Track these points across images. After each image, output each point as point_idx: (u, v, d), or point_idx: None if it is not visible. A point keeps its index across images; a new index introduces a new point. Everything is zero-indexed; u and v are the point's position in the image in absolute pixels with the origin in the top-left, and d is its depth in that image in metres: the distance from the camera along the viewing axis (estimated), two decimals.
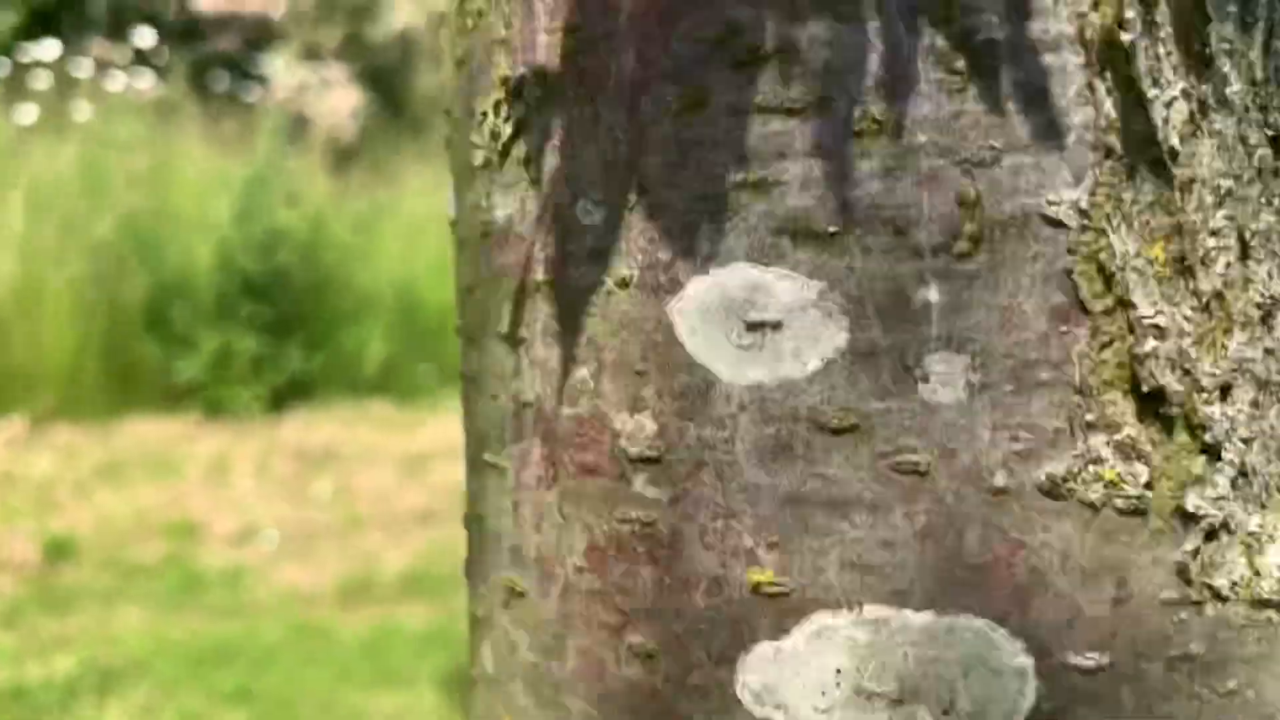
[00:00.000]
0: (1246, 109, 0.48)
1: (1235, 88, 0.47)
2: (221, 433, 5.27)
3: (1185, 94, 0.47)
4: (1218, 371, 0.47)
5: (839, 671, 0.48)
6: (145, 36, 7.26)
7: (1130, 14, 0.46)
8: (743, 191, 0.49)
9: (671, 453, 0.51)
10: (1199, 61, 0.47)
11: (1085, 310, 0.46)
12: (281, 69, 7.98)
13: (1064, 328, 0.46)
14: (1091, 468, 0.47)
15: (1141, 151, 0.47)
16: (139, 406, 5.36)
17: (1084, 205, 0.46)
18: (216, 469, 4.83)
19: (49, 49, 6.64)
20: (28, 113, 6.11)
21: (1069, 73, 0.46)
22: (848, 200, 0.48)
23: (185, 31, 7.84)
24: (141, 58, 7.13)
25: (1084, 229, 0.46)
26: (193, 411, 5.37)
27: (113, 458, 4.86)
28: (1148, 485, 0.47)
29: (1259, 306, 0.48)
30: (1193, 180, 0.47)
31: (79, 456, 4.80)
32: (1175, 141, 0.47)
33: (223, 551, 3.90)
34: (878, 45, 0.47)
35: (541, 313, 0.56)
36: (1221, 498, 0.47)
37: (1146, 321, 0.46)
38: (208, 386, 5.38)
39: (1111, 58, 0.46)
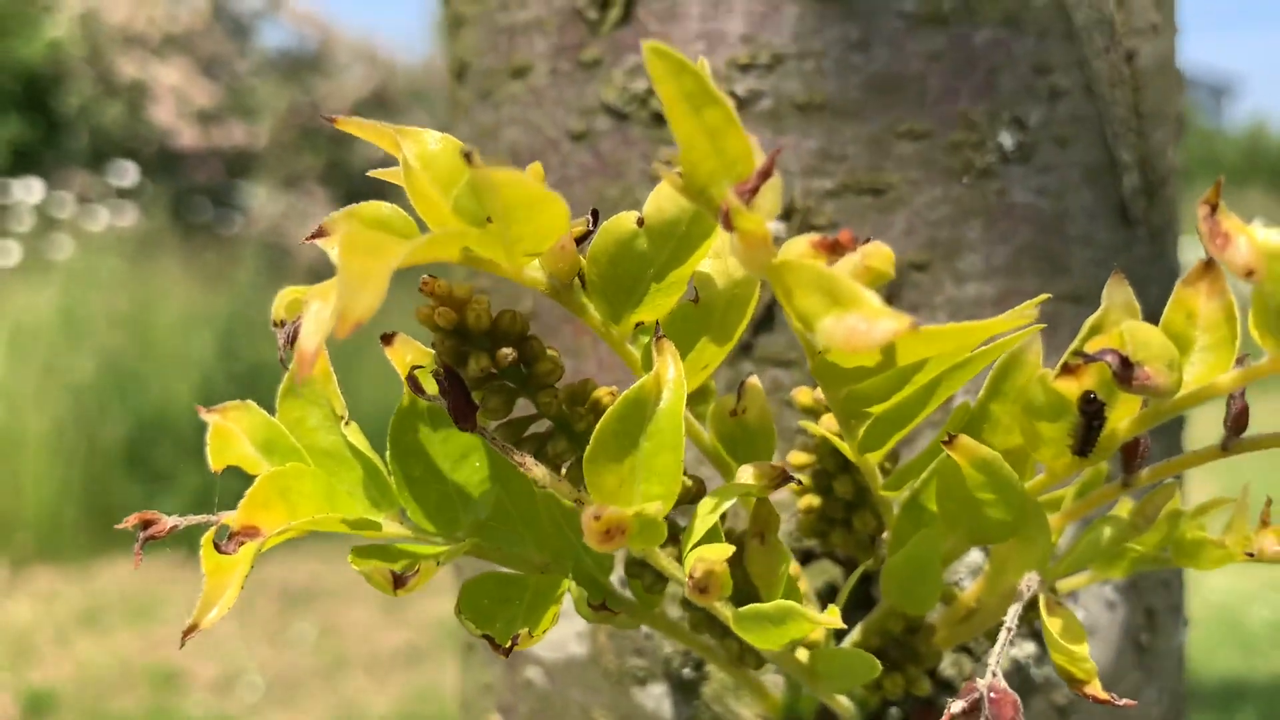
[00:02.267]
0: None
1: None
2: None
3: None
4: None
5: None
6: (126, 171, 7.34)
7: None
8: None
9: None
10: None
11: None
12: (263, 198, 8.07)
13: None
14: None
15: None
16: (120, 547, 5.30)
17: None
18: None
19: (30, 188, 6.70)
20: (8, 252, 6.14)
21: None
22: None
23: (165, 164, 7.95)
24: (122, 192, 7.20)
25: None
26: (174, 550, 5.32)
27: (93, 602, 4.79)
28: None
29: None
30: None
31: (59, 602, 4.73)
32: None
33: (206, 700, 3.83)
34: None
35: None
36: None
37: None
38: (189, 525, 5.33)
39: None
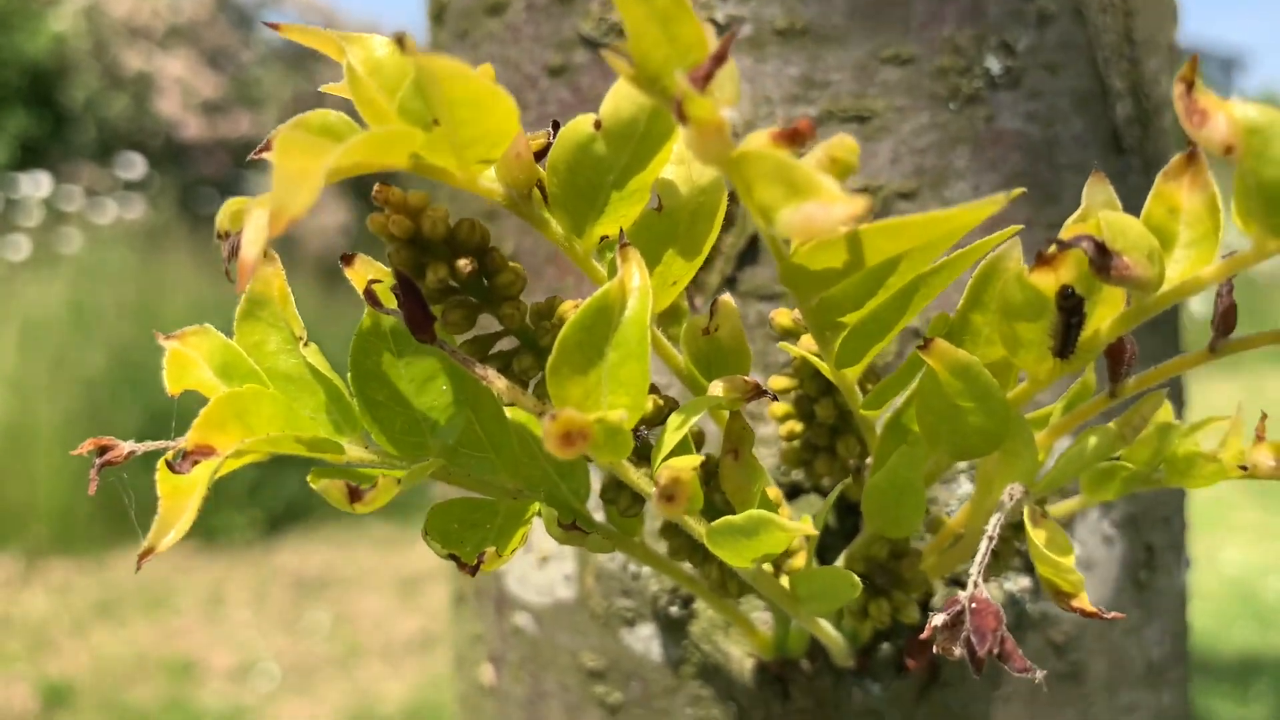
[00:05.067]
0: None
1: None
2: (217, 562, 5.22)
3: None
4: None
5: None
6: (133, 164, 7.35)
7: None
8: None
9: None
10: None
11: None
12: (269, 189, 8.04)
13: None
14: None
15: None
16: (134, 538, 5.30)
17: None
18: (213, 601, 4.79)
19: (38, 182, 6.72)
20: (18, 247, 6.16)
21: None
22: None
23: (172, 156, 7.95)
24: (129, 185, 7.21)
25: None
26: (188, 540, 5.33)
27: (109, 594, 4.81)
28: None
29: None
30: None
31: (74, 594, 4.76)
32: None
33: (222, 690, 3.85)
34: None
35: None
36: None
37: None
38: (203, 514, 5.35)
39: None
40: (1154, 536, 0.69)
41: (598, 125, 0.39)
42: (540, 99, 0.67)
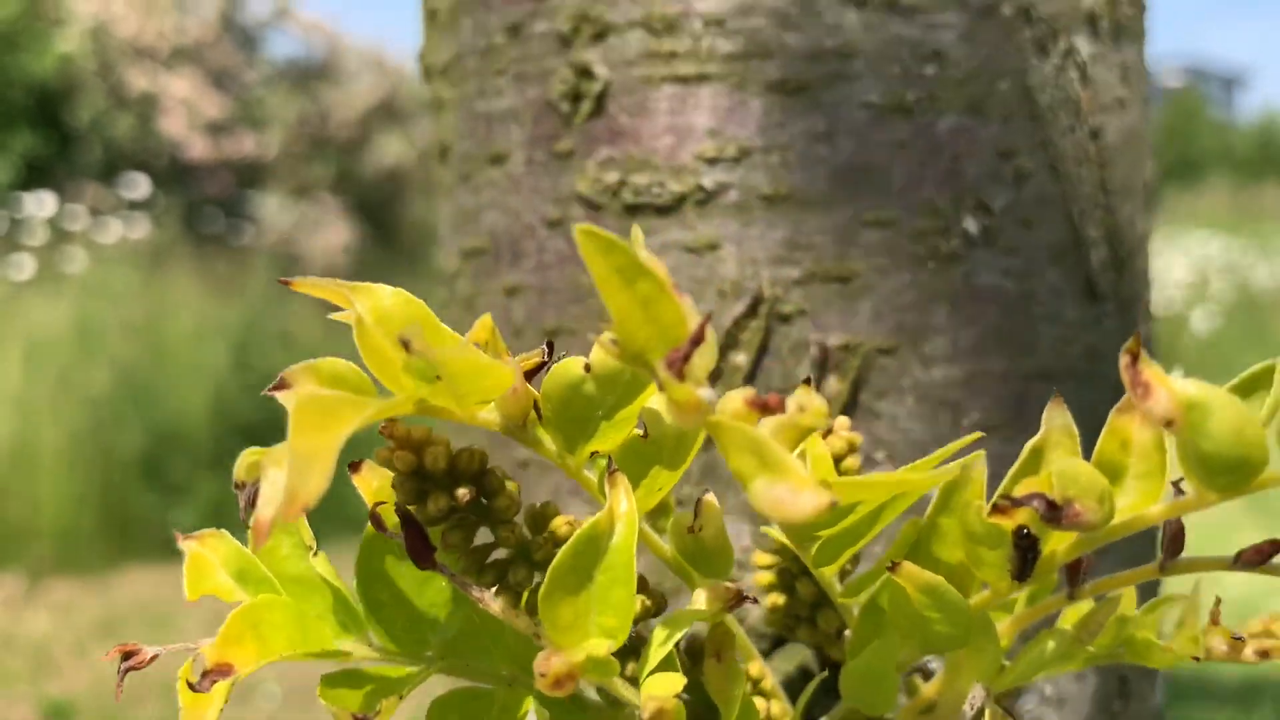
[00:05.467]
0: None
1: None
2: None
3: None
4: None
5: None
6: (137, 183, 7.38)
7: None
8: None
9: None
10: None
11: None
12: (274, 208, 8.12)
13: None
14: None
15: None
16: (137, 558, 5.33)
17: None
18: (215, 620, 4.78)
19: (42, 201, 6.75)
20: (22, 266, 6.19)
21: None
22: None
23: (177, 176, 7.99)
24: (134, 204, 7.24)
25: None
26: None
27: (111, 613, 4.83)
28: None
29: None
30: None
31: (77, 613, 4.77)
32: None
33: (225, 710, 3.86)
34: None
35: None
36: None
37: None
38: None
39: None
40: (1128, 668, 0.72)
41: (587, 368, 0.42)
42: (539, 248, 0.70)
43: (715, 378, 0.65)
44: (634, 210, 0.66)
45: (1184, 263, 10.69)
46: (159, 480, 5.47)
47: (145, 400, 5.57)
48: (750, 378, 0.65)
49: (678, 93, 0.65)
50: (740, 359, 0.65)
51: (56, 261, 6.29)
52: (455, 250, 0.76)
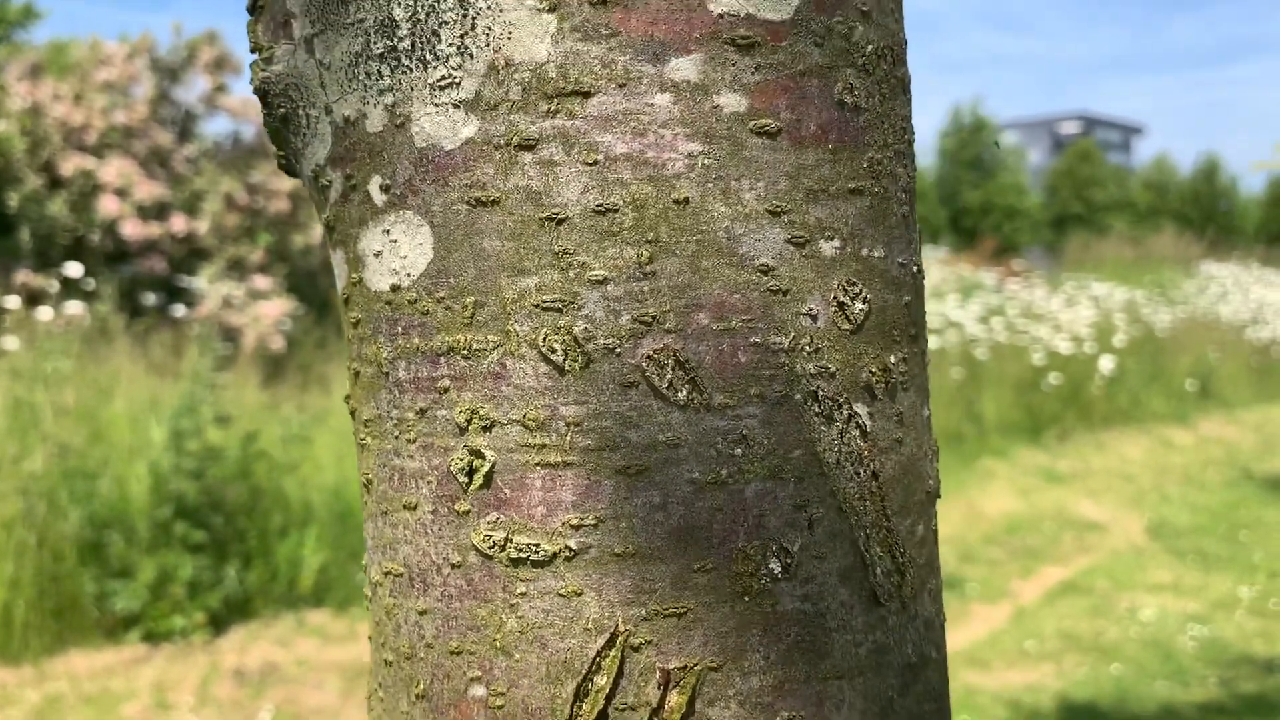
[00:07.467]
0: None
1: None
2: (161, 661, 5.30)
3: None
4: None
5: None
6: (71, 265, 7.45)
7: None
8: None
9: None
10: None
11: None
12: (207, 284, 8.22)
13: None
14: None
15: None
16: (76, 642, 5.38)
17: None
18: (158, 704, 4.87)
19: None
20: None
21: None
22: None
23: (111, 256, 8.07)
24: (68, 284, 7.31)
25: None
26: (132, 642, 5.41)
27: (50, 700, 4.88)
28: None
29: None
30: None
31: (13, 704, 4.82)
32: None
33: None
34: None
35: None
36: None
37: None
38: (146, 616, 5.43)
39: None
40: None
41: None
42: (444, 582, 0.89)
43: (582, 695, 0.85)
44: (517, 563, 0.86)
45: (1089, 309, 11.22)
46: (97, 563, 5.54)
47: (82, 482, 5.64)
48: (610, 696, 0.85)
49: (549, 474, 0.85)
50: (602, 681, 0.85)
51: None
52: (377, 565, 0.95)
